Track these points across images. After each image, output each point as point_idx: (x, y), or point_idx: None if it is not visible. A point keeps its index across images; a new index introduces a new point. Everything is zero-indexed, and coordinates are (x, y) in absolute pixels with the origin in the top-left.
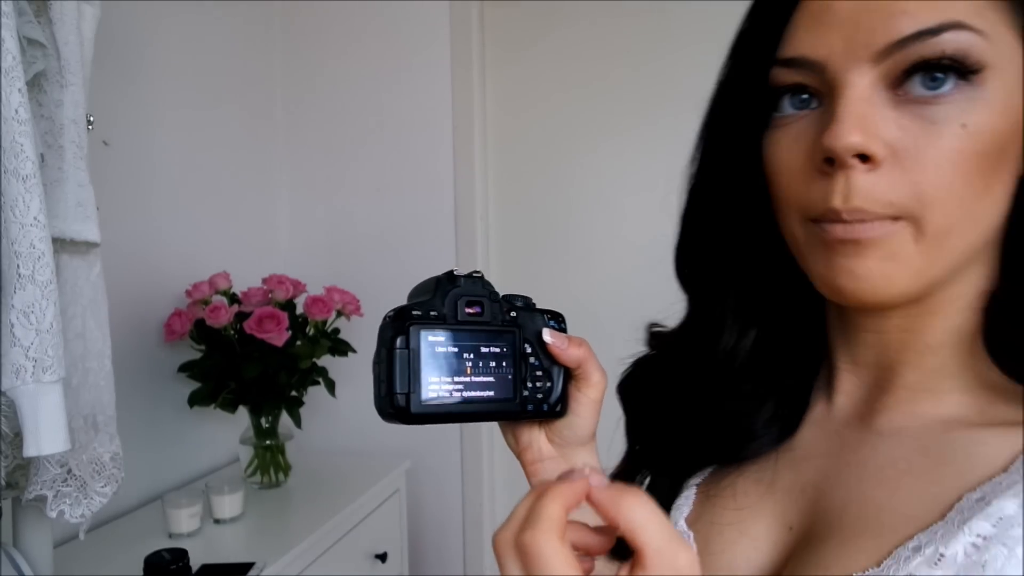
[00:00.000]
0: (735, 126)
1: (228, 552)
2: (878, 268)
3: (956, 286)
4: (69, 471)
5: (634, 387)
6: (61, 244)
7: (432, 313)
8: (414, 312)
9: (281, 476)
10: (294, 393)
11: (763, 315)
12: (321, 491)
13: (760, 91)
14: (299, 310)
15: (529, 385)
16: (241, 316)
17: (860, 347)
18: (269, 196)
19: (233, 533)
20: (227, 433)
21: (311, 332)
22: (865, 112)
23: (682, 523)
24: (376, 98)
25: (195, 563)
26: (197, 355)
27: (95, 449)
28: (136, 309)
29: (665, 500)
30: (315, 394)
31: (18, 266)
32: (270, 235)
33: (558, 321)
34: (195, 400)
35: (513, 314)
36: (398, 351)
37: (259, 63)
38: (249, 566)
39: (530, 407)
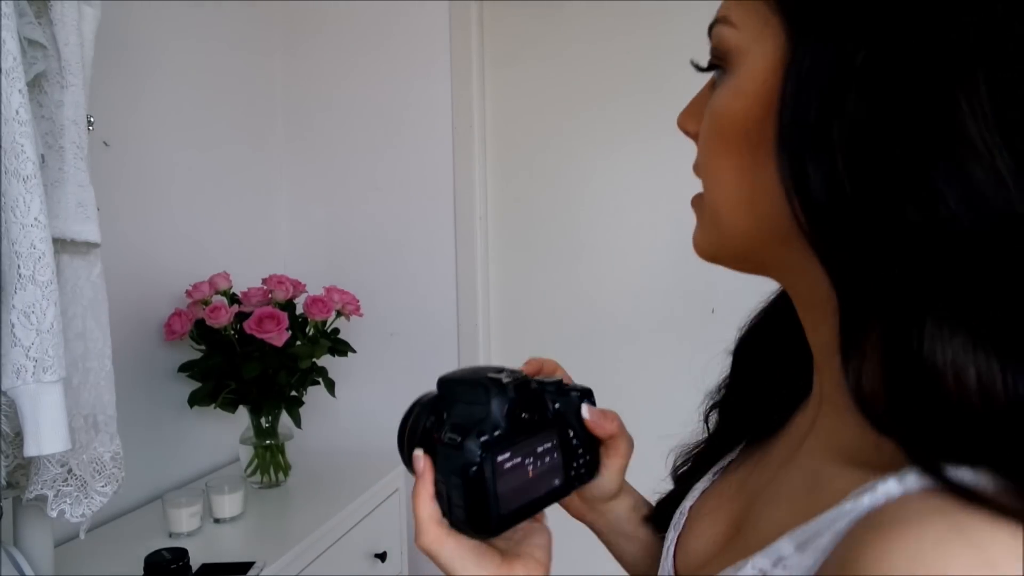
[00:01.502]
0: None
1: (228, 551)
2: (696, 229)
3: (805, 287)
4: (69, 471)
5: (739, 351)
6: (62, 244)
7: (496, 432)
8: (483, 438)
9: (281, 476)
10: (294, 393)
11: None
12: (321, 491)
13: None
14: (299, 310)
15: (575, 464)
16: (241, 316)
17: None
18: (269, 196)
19: (233, 533)
20: (227, 433)
21: (311, 332)
22: (700, 97)
23: (686, 505)
24: (376, 98)
25: (195, 562)
26: (197, 355)
27: (95, 449)
28: (136, 309)
29: (690, 482)
30: (315, 394)
31: (19, 266)
32: (270, 235)
33: (589, 397)
34: (195, 400)
35: (557, 405)
36: (472, 479)
37: (259, 63)
38: (249, 565)
39: (576, 483)
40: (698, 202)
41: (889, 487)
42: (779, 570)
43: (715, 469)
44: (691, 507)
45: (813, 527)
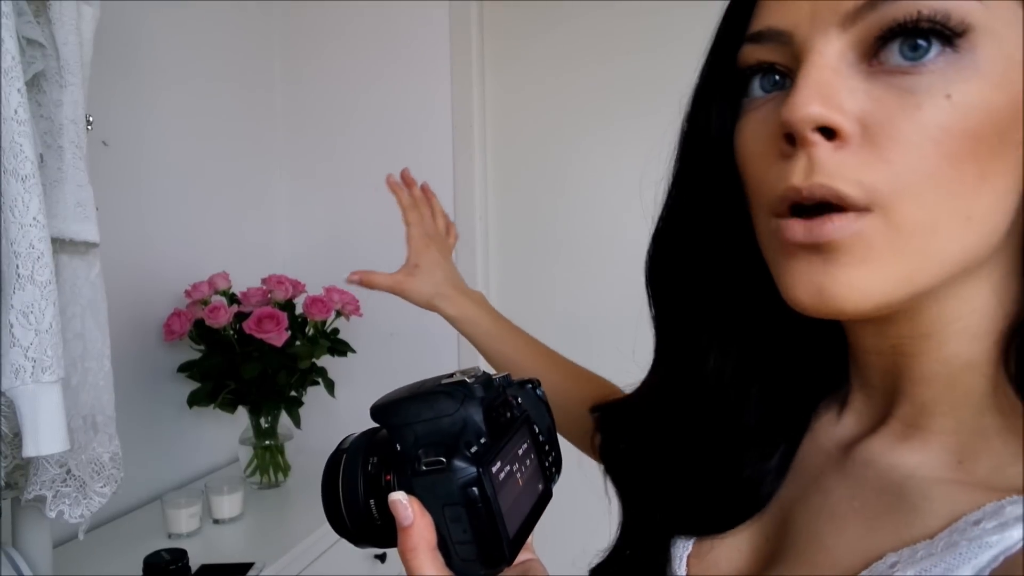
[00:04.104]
0: (707, 117)
1: (228, 552)
2: (848, 276)
3: (953, 303)
4: (68, 471)
5: (615, 451)
6: (60, 244)
7: (482, 441)
8: (472, 450)
9: (280, 476)
10: (293, 393)
11: (745, 332)
12: (320, 491)
13: (729, 74)
14: (298, 310)
15: (546, 463)
16: (240, 316)
17: (866, 369)
18: (269, 196)
19: (232, 533)
20: (226, 433)
21: (310, 332)
22: (830, 80)
23: None
24: (375, 98)
25: (194, 563)
26: (196, 355)
27: (94, 449)
28: (135, 309)
29: None
30: (314, 394)
31: (17, 266)
32: (270, 235)
33: (539, 385)
34: (194, 400)
35: (519, 400)
36: (475, 501)
37: (258, 64)
38: (248, 566)
39: (550, 484)
40: (865, 226)
41: None
42: None
43: None
44: None
45: (935, 558)
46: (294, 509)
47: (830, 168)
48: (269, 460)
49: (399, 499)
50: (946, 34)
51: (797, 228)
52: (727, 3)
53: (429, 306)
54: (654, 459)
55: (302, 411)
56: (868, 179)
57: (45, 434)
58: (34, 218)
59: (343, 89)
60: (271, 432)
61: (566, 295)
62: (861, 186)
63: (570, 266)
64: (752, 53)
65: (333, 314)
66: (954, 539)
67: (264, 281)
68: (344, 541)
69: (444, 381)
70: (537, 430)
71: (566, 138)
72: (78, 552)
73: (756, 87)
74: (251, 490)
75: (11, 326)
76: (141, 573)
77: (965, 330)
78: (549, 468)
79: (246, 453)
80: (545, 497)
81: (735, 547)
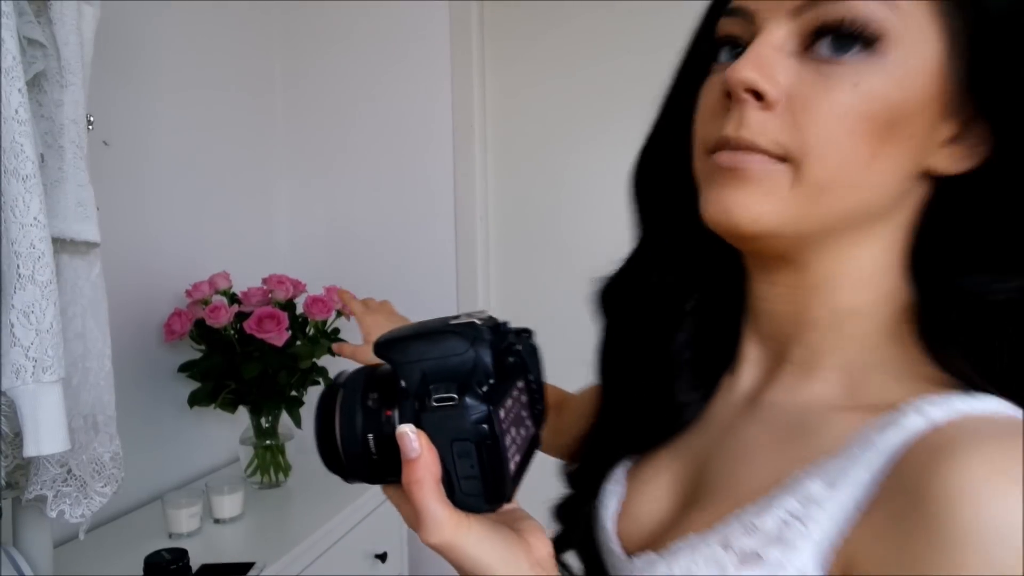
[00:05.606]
0: (683, 74)
1: (228, 552)
2: (750, 201)
3: (840, 262)
4: (69, 471)
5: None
6: (61, 244)
7: (491, 381)
8: (483, 389)
9: (281, 476)
10: (294, 393)
11: (685, 259)
12: (321, 491)
13: (706, 41)
14: (299, 310)
15: (537, 409)
16: (241, 316)
17: (760, 318)
18: (269, 196)
19: (233, 533)
20: (227, 433)
21: (311, 332)
22: (769, 55)
23: (621, 472)
24: (376, 98)
25: (195, 563)
26: (197, 355)
27: (95, 449)
28: (136, 309)
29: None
30: (315, 394)
31: (18, 266)
32: (270, 235)
33: (531, 335)
34: (195, 400)
35: (518, 347)
36: (485, 438)
37: (259, 64)
38: (249, 566)
39: (538, 428)
40: (777, 169)
41: (911, 421)
42: (813, 509)
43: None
44: (629, 473)
45: (835, 465)
46: (295, 509)
47: (755, 126)
48: (270, 460)
49: (407, 431)
50: (863, 38)
51: (724, 156)
52: None
53: None
54: (611, 389)
55: (303, 411)
56: (783, 140)
57: (46, 434)
58: (35, 218)
59: (343, 89)
60: (272, 432)
61: (566, 294)
62: (778, 146)
63: (570, 265)
64: (724, 26)
65: (334, 314)
66: (857, 451)
67: (265, 281)
68: (343, 541)
69: (453, 322)
70: (531, 378)
71: (566, 137)
72: (78, 552)
73: (723, 55)
74: (252, 490)
75: (12, 326)
76: (141, 573)
77: (851, 284)
78: (539, 415)
79: (247, 453)
80: (535, 439)
81: (654, 499)
